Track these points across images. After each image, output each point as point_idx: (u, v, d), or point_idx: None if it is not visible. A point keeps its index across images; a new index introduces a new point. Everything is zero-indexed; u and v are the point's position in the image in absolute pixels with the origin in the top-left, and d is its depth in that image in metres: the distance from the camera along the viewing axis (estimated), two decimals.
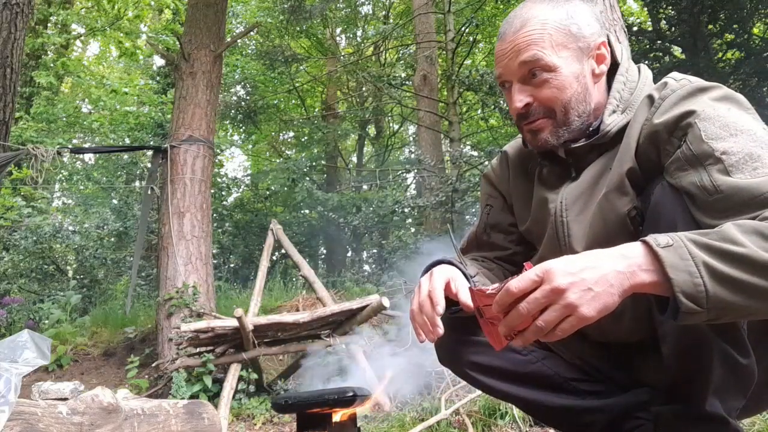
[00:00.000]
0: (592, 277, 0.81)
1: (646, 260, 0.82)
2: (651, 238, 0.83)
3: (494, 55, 1.17)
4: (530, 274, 0.82)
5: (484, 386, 1.30)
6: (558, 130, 1.12)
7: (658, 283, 0.81)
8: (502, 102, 6.89)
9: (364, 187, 11.68)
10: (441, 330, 1.10)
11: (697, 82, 1.03)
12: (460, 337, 1.28)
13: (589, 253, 0.85)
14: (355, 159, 15.40)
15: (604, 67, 1.13)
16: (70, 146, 9.00)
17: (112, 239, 8.32)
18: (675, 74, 1.08)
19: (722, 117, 0.95)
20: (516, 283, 0.83)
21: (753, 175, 0.88)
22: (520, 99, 1.11)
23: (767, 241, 0.80)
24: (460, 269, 1.19)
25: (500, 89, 1.22)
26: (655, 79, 1.14)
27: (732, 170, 0.90)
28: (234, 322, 3.56)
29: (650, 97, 1.06)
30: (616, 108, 1.11)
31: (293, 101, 13.66)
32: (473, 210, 6.39)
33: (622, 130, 1.09)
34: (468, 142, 12.30)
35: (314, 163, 12.56)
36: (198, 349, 3.79)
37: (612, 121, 1.10)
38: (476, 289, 0.90)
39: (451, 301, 1.17)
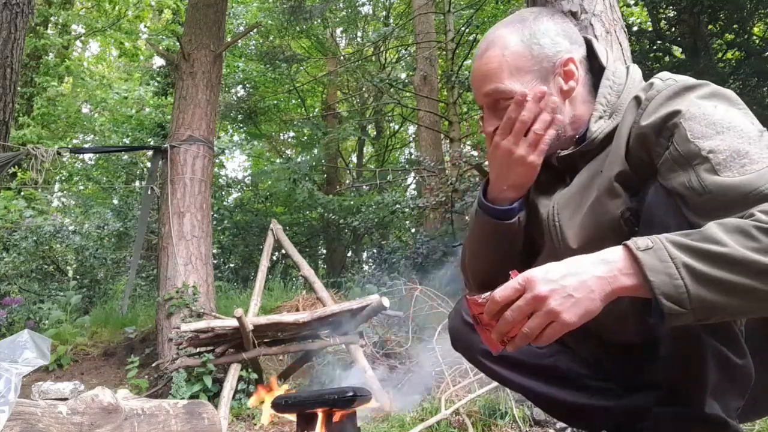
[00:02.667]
0: (573, 283, 0.82)
1: (626, 264, 0.83)
2: (631, 242, 0.84)
3: None
4: (513, 282, 0.85)
5: (495, 375, 1.31)
6: None
7: (639, 286, 0.82)
8: None
9: (364, 187, 11.68)
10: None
11: (683, 80, 1.03)
12: (474, 323, 1.29)
13: (571, 260, 0.87)
14: (354, 159, 15.40)
15: (573, 84, 1.13)
16: (70, 146, 9.01)
17: (113, 239, 8.32)
18: (662, 74, 1.07)
19: (708, 115, 0.95)
20: (500, 292, 0.85)
21: (741, 172, 0.87)
22: (490, 124, 1.15)
23: (750, 240, 0.79)
24: None
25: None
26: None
27: (719, 169, 0.89)
28: (234, 322, 3.56)
29: (637, 99, 1.05)
30: (603, 113, 1.11)
31: (293, 101, 13.66)
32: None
33: (611, 134, 1.08)
34: (468, 142, 12.30)
35: (314, 163, 12.56)
36: (198, 349, 3.79)
37: (598, 128, 1.10)
38: (470, 297, 0.92)
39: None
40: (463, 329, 1.31)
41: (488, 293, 0.89)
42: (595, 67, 1.17)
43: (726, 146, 0.90)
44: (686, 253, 0.80)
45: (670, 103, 0.99)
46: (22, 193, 8.69)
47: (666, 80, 1.04)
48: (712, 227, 0.82)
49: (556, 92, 1.11)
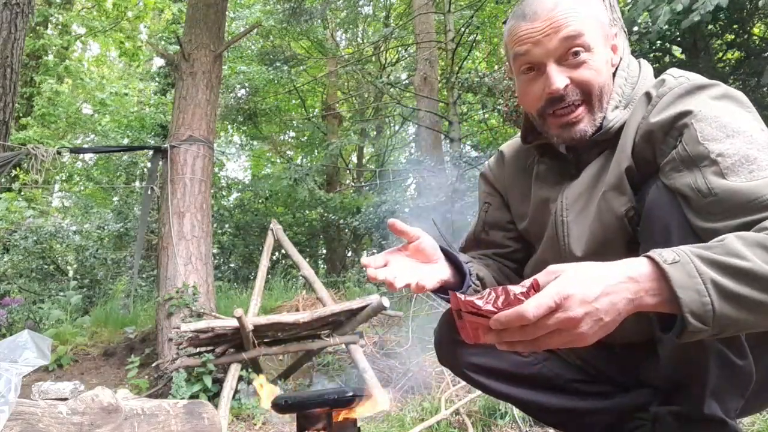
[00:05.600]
0: (605, 306, 0.77)
1: (653, 283, 0.79)
2: (657, 255, 0.79)
3: (515, 36, 1.08)
4: (548, 299, 0.76)
5: (484, 387, 1.30)
6: (594, 118, 1.08)
7: (664, 302, 0.79)
8: (501, 103, 6.90)
9: (365, 187, 11.68)
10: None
11: (696, 79, 1.01)
12: (459, 338, 1.28)
13: (603, 275, 0.79)
14: (355, 159, 15.39)
15: (617, 59, 1.12)
16: (70, 146, 9.01)
17: (113, 239, 8.33)
18: (674, 71, 1.06)
19: (719, 117, 0.93)
20: (534, 310, 0.76)
21: (749, 178, 0.86)
22: (560, 79, 1.04)
23: None
24: (457, 258, 1.18)
25: (505, 83, 1.21)
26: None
27: (727, 173, 0.88)
28: (234, 322, 3.56)
29: (648, 95, 1.04)
30: (619, 103, 1.09)
31: (293, 101, 13.66)
32: (473, 210, 6.39)
33: (622, 127, 1.07)
34: (468, 143, 12.29)
35: (314, 163, 12.57)
36: (198, 349, 3.79)
37: (615, 117, 1.08)
38: (464, 300, 0.82)
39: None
40: (448, 345, 1.29)
41: (486, 295, 0.81)
42: None
43: (735, 151, 0.89)
44: (713, 269, 0.77)
45: (681, 101, 0.98)
46: (22, 193, 8.70)
47: (678, 77, 1.03)
48: (733, 240, 0.79)
49: (610, 62, 1.10)
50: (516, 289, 0.80)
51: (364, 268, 1.09)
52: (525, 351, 0.84)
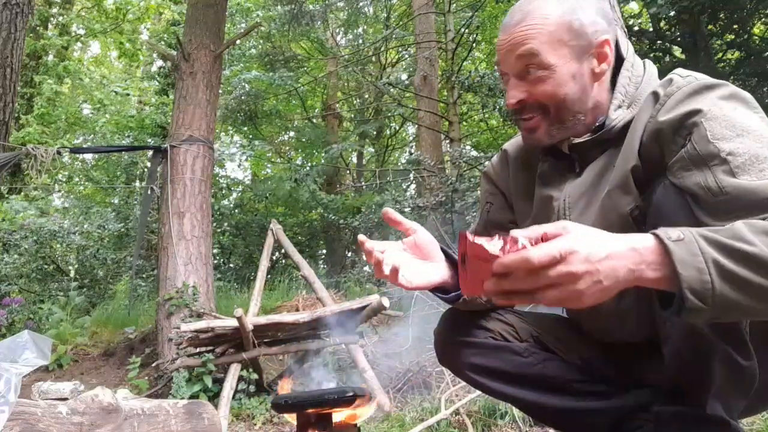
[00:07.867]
0: (606, 270, 0.77)
1: (655, 257, 0.79)
2: (662, 232, 0.80)
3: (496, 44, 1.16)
4: (554, 250, 0.76)
5: (483, 387, 1.29)
6: (551, 129, 1.12)
7: (662, 278, 0.79)
8: (502, 103, 6.90)
9: (364, 188, 11.68)
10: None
11: (704, 79, 1.01)
12: (460, 338, 1.28)
13: (609, 240, 0.80)
14: (355, 159, 15.39)
15: (606, 66, 1.11)
16: (69, 146, 9.01)
17: (113, 239, 8.32)
18: (681, 71, 1.06)
19: (729, 116, 0.94)
20: (539, 257, 0.76)
21: (759, 176, 0.87)
22: (514, 95, 1.12)
23: None
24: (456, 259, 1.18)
25: (502, 85, 1.22)
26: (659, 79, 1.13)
27: (738, 171, 0.88)
28: (234, 322, 3.56)
29: (655, 94, 1.04)
30: (622, 103, 1.10)
31: (293, 101, 13.66)
32: (473, 210, 6.39)
33: (627, 126, 1.07)
34: (468, 143, 12.29)
35: (314, 163, 12.57)
36: (198, 349, 3.79)
37: (617, 116, 1.09)
38: (472, 241, 0.82)
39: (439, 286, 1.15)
40: (449, 346, 1.30)
41: (495, 240, 0.81)
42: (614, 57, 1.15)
43: (745, 149, 0.89)
44: (716, 249, 0.78)
45: (690, 101, 0.98)
46: (22, 193, 8.71)
47: (686, 77, 1.03)
48: (740, 226, 0.80)
49: (587, 73, 1.09)
50: (524, 238, 0.80)
51: (361, 246, 1.10)
52: (522, 304, 0.84)
